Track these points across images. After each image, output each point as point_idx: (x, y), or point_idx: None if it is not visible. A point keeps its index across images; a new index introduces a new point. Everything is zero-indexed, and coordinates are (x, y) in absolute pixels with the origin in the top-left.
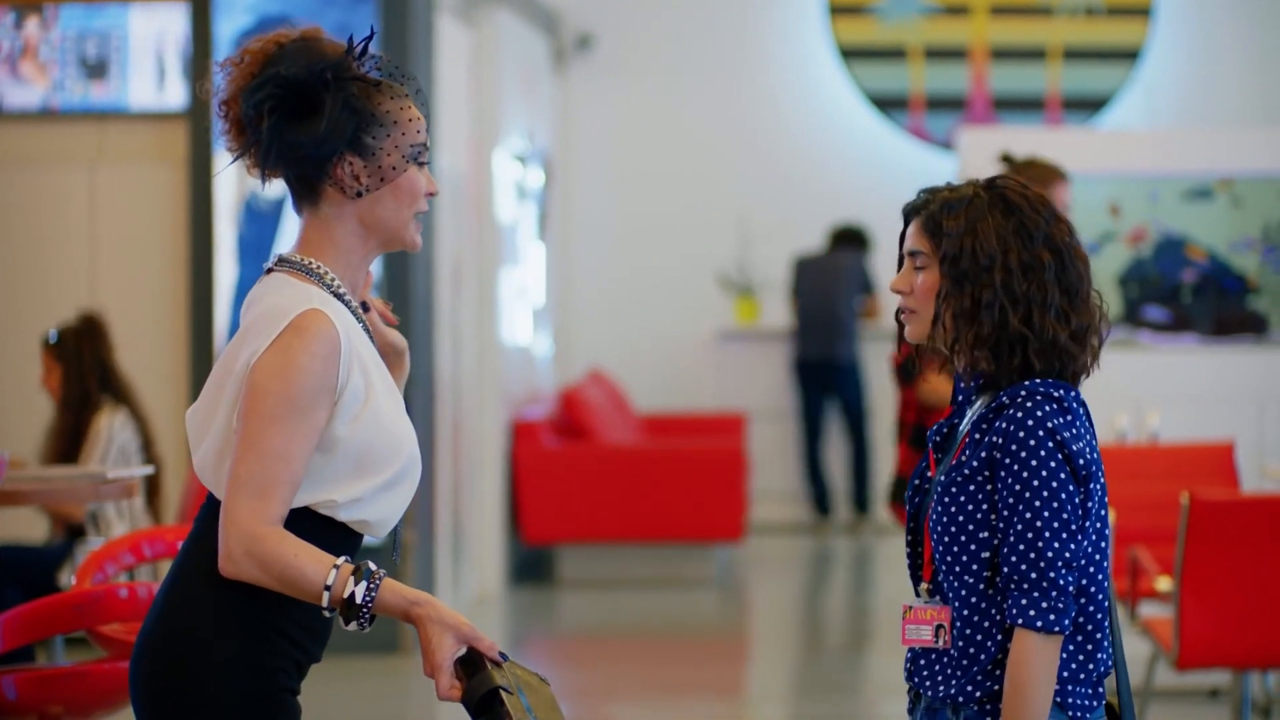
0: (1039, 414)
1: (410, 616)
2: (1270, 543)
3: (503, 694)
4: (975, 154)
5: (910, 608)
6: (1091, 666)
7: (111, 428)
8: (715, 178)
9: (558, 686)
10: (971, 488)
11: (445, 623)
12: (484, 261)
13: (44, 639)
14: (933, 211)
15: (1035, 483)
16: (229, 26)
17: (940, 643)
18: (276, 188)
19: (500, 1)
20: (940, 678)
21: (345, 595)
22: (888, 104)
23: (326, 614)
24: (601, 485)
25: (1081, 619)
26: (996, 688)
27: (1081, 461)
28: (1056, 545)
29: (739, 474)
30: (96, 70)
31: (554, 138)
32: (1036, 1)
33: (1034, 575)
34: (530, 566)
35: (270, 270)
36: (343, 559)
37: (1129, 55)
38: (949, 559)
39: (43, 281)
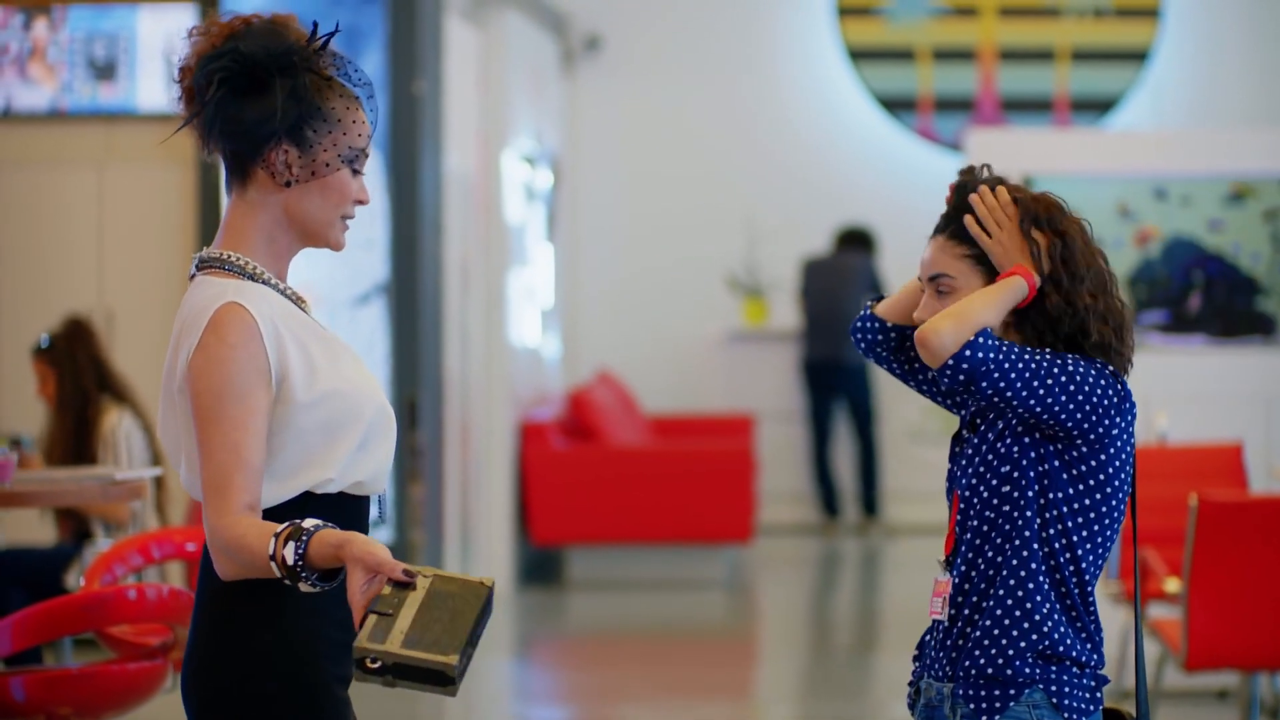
0: (1096, 367)
1: (341, 559)
2: (1279, 544)
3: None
4: (984, 155)
5: (938, 581)
6: (1090, 670)
7: (121, 428)
8: (723, 178)
9: (566, 688)
10: (1004, 456)
11: (358, 558)
12: (492, 262)
13: (53, 640)
14: (957, 221)
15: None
16: None
17: (944, 615)
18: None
19: (508, 3)
20: (936, 654)
21: (283, 560)
22: (896, 105)
23: (287, 584)
24: (610, 486)
25: (1087, 618)
26: (999, 662)
27: (1101, 410)
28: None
29: (747, 475)
30: (105, 71)
31: (562, 139)
32: (1045, 3)
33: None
34: (539, 567)
35: (193, 275)
36: (284, 525)
37: (1137, 56)
38: (966, 533)
39: (51, 282)
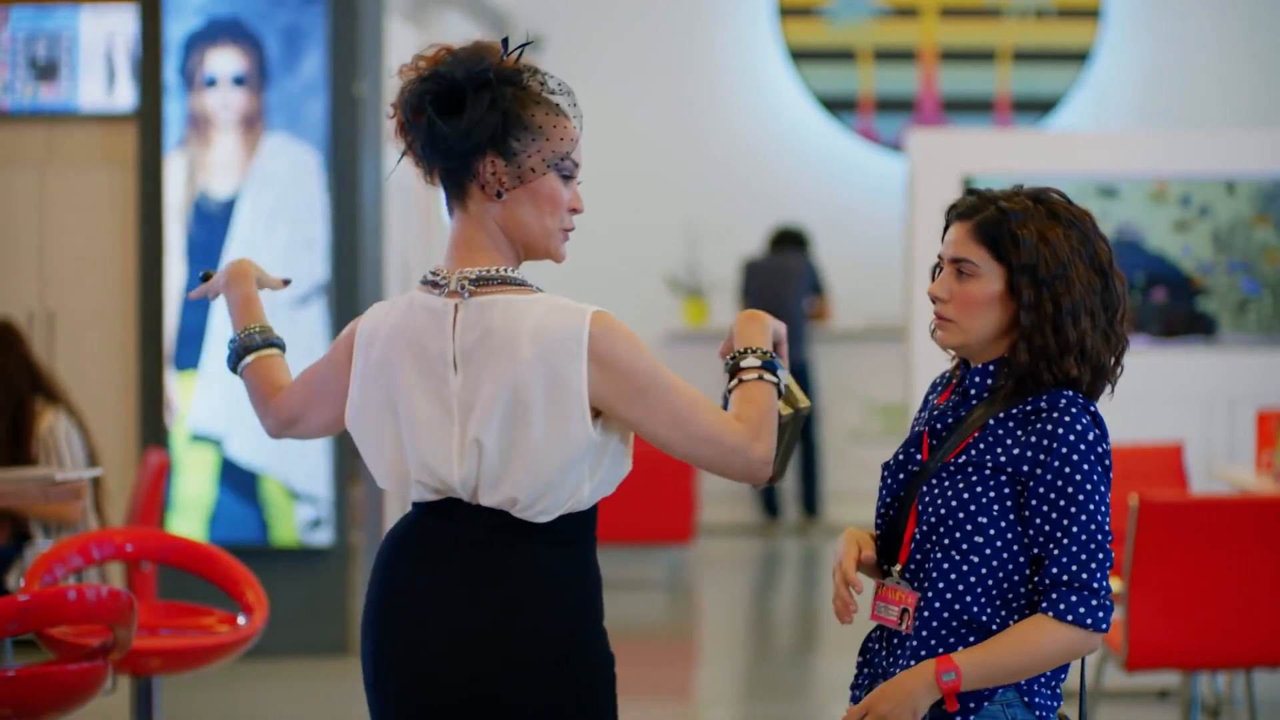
0: (1080, 425)
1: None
2: (1219, 544)
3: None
4: (924, 155)
5: (883, 584)
6: (1061, 676)
7: (59, 428)
8: (664, 179)
9: None
10: (975, 479)
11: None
12: (432, 262)
13: None
14: (990, 219)
15: (1085, 491)
16: (179, 28)
17: (903, 626)
18: (221, 187)
19: (449, 3)
20: (896, 658)
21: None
22: (837, 105)
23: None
24: None
25: None
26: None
27: (1110, 476)
28: (1101, 555)
29: (687, 475)
30: (46, 72)
31: None
32: (986, 3)
33: (1085, 577)
34: None
35: (458, 292)
36: (762, 380)
37: (1078, 57)
38: (928, 545)
39: None
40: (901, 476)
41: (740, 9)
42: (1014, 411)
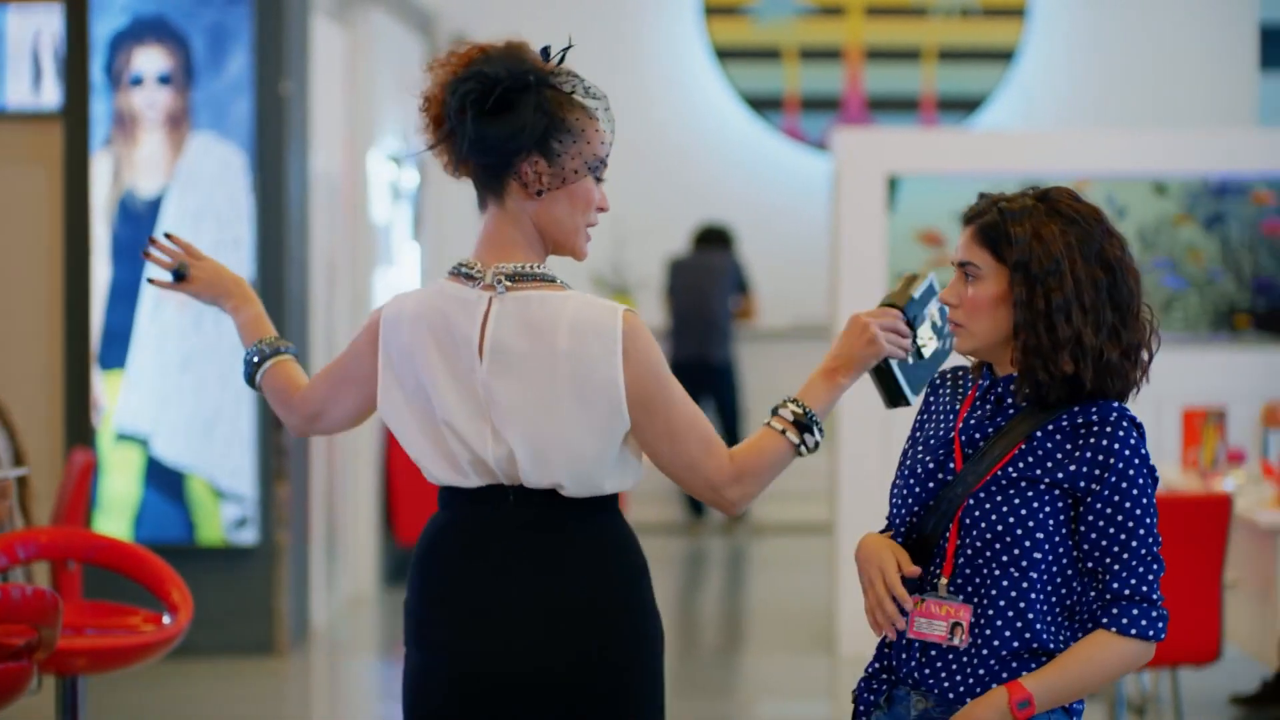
0: (1133, 440)
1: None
2: None
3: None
4: (849, 154)
5: (923, 600)
6: None
7: None
8: None
9: None
10: (1030, 494)
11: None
12: (358, 262)
13: None
14: (990, 221)
15: (1141, 505)
16: (105, 27)
17: (957, 640)
18: (147, 186)
19: (375, 2)
20: (947, 674)
21: (806, 443)
22: (762, 104)
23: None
24: None
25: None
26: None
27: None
28: (1156, 566)
29: None
30: None
31: None
32: (911, 2)
33: (1145, 589)
34: (404, 567)
35: (490, 285)
36: (783, 424)
37: (1004, 56)
38: (980, 561)
39: None
40: (931, 485)
41: (665, 8)
42: (1062, 424)
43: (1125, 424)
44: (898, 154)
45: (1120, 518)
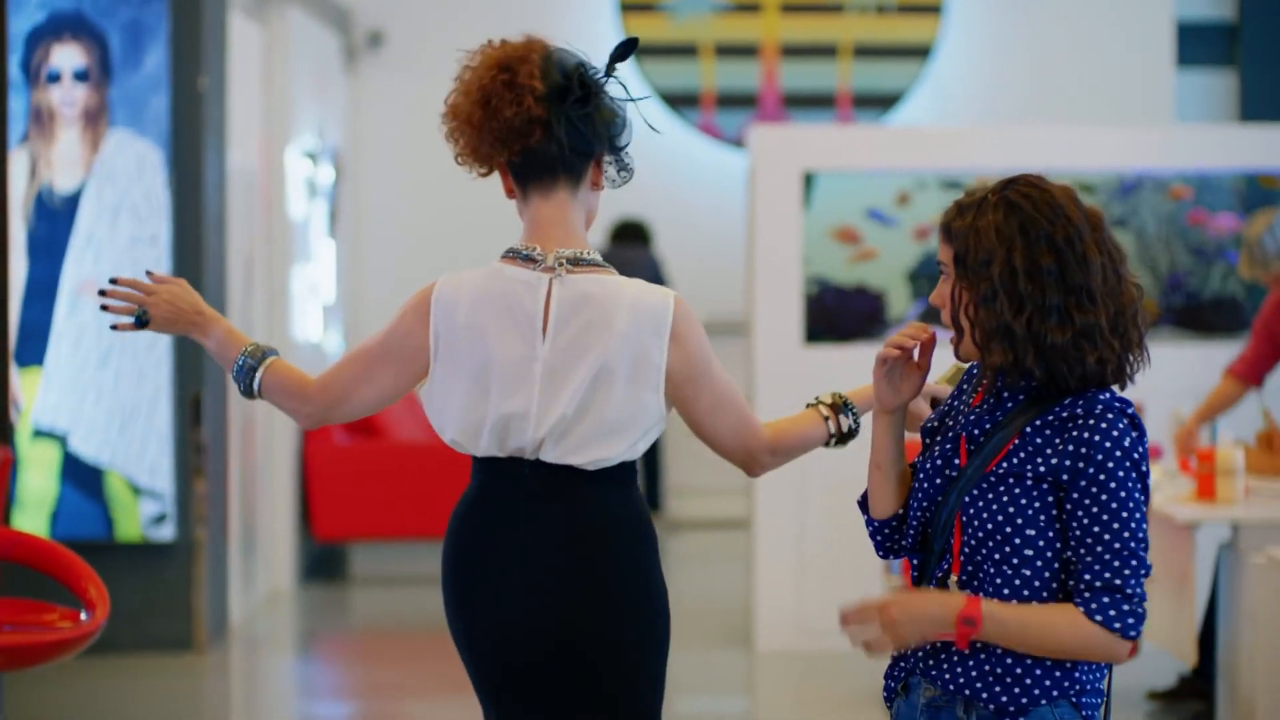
0: (1117, 431)
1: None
2: None
3: None
4: (765, 151)
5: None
6: (1104, 673)
7: None
8: None
9: (350, 684)
10: (1018, 491)
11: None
12: (275, 258)
13: None
14: (947, 219)
15: (1119, 499)
16: (22, 23)
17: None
18: (64, 182)
19: None
20: (957, 670)
21: (841, 427)
22: (679, 101)
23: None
24: (393, 482)
25: None
26: (1025, 698)
27: (1149, 480)
28: (1134, 563)
29: None
30: None
31: (345, 135)
32: None
33: (1118, 582)
34: (322, 564)
35: (556, 268)
36: (822, 407)
37: (920, 52)
38: (979, 558)
39: None
40: (939, 481)
41: (582, 5)
42: (1050, 418)
43: (1111, 415)
44: (813, 151)
45: (1096, 509)
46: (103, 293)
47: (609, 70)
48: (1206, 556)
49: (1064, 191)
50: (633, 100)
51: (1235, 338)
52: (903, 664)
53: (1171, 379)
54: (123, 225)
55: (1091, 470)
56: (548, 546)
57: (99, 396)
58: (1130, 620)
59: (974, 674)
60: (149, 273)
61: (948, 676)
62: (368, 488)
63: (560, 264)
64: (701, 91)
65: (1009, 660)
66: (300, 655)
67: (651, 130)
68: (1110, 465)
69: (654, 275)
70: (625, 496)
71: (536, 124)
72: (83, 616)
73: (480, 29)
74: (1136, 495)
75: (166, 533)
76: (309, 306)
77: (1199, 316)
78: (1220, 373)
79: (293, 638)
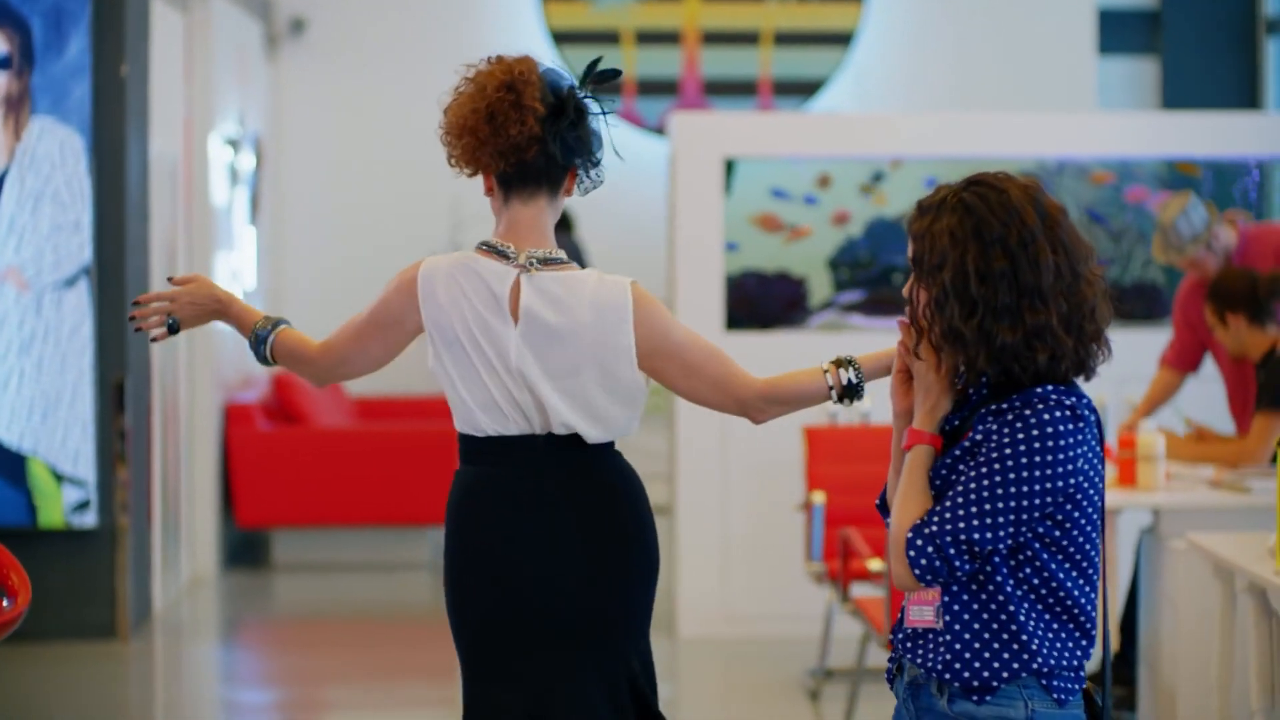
0: (1041, 418)
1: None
2: None
3: None
4: (686, 138)
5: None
6: (1078, 659)
7: None
8: (428, 161)
9: (273, 670)
10: (953, 478)
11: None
12: (197, 245)
13: None
14: (909, 219)
15: (991, 466)
16: None
17: (939, 623)
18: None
19: None
20: (930, 652)
21: (841, 381)
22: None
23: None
24: (315, 468)
25: (1081, 618)
26: (986, 674)
27: (1072, 482)
28: (963, 525)
29: (452, 456)
30: None
31: (266, 122)
32: None
33: (934, 528)
34: (244, 550)
35: (528, 268)
36: (827, 364)
37: (841, 40)
38: None
39: None
40: (932, 475)
41: None
42: (994, 407)
43: (1041, 406)
44: (734, 137)
45: (975, 468)
46: (132, 317)
47: (589, 88)
48: (1128, 542)
49: (1023, 191)
50: (605, 115)
51: (1156, 324)
52: (899, 647)
53: None
54: (45, 212)
55: (995, 439)
56: (569, 506)
57: (21, 383)
58: (923, 564)
59: (945, 655)
60: (170, 278)
61: (922, 657)
62: (290, 474)
63: (531, 263)
64: (622, 79)
65: (972, 642)
66: (223, 642)
67: (618, 157)
68: (1007, 437)
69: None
70: (618, 456)
71: (534, 141)
72: (4, 604)
73: (401, 15)
74: (1021, 476)
75: (89, 520)
76: (231, 292)
77: (1119, 304)
78: (1155, 362)
79: (216, 624)
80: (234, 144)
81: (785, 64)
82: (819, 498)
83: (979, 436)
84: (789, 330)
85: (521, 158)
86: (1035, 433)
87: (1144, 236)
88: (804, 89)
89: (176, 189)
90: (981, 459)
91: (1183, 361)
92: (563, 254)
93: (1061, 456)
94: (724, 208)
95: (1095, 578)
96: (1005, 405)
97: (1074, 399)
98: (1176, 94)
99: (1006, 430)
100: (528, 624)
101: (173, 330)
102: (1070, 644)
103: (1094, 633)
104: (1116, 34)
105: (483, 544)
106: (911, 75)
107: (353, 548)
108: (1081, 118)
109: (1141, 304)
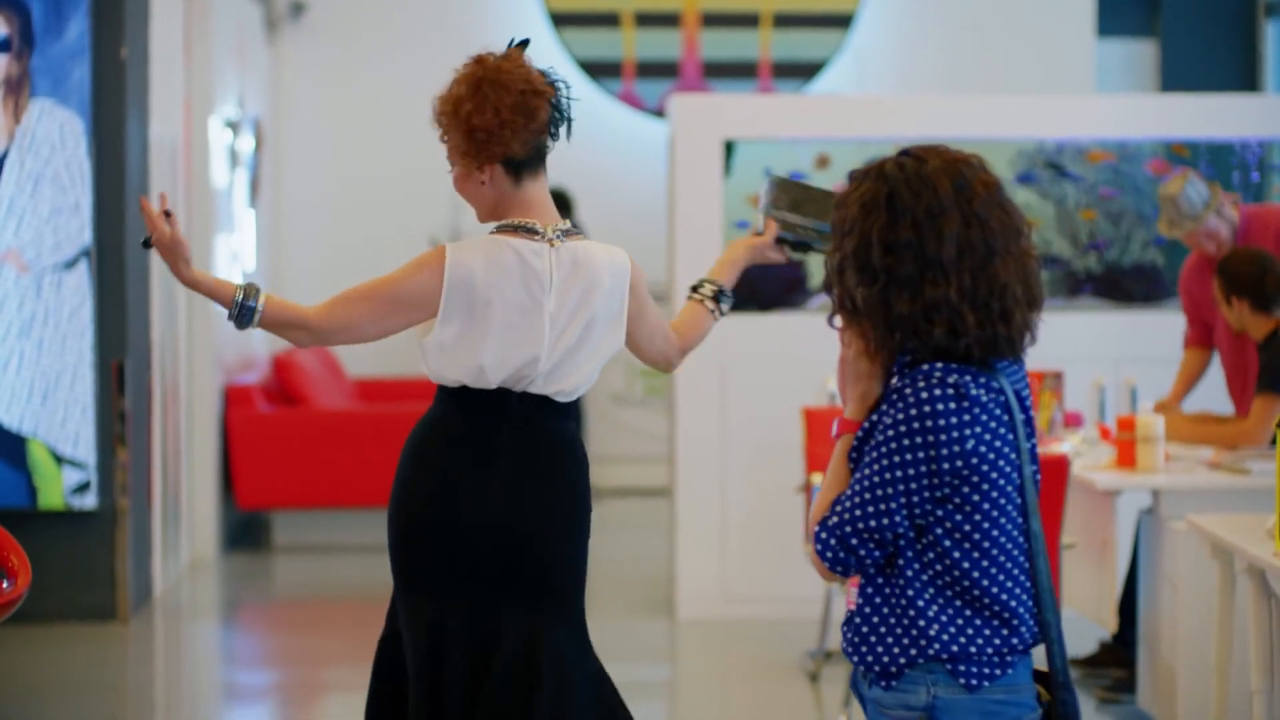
0: (915, 397)
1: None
2: None
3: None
4: (686, 120)
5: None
6: (995, 645)
7: None
8: (427, 144)
9: (273, 652)
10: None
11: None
12: (197, 228)
13: None
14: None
15: (872, 458)
16: None
17: (853, 606)
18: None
19: None
20: (845, 637)
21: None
22: (599, 70)
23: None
24: (315, 450)
25: (992, 604)
26: (887, 659)
27: (960, 464)
28: (858, 513)
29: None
30: None
31: (266, 104)
32: None
33: (834, 519)
34: (245, 532)
35: (555, 240)
36: (706, 296)
37: (841, 22)
38: None
39: None
40: None
41: None
42: (893, 381)
43: (923, 384)
44: (734, 120)
45: (868, 452)
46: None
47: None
48: (1127, 523)
49: (948, 163)
50: (567, 88)
51: (1155, 306)
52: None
53: (1092, 347)
54: (44, 194)
55: (883, 421)
56: (522, 460)
57: (21, 365)
58: (829, 556)
59: (855, 639)
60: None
61: (844, 642)
62: (290, 456)
63: (558, 235)
64: (622, 61)
65: (879, 626)
66: (224, 624)
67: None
68: (889, 418)
69: None
70: (574, 427)
71: (548, 123)
72: (4, 585)
73: (399, 1)
74: (906, 456)
75: (89, 501)
76: (231, 276)
77: (1118, 285)
78: (1155, 345)
79: (215, 606)
80: (234, 126)
81: (785, 46)
82: (818, 479)
83: (875, 419)
84: (788, 312)
85: (540, 139)
86: (914, 412)
87: (1143, 218)
88: (804, 71)
89: (176, 171)
90: (872, 443)
91: (1200, 340)
92: (570, 223)
93: (944, 437)
94: (723, 190)
95: (1010, 564)
96: (893, 385)
97: (959, 376)
98: (1175, 76)
99: (889, 410)
100: (469, 545)
101: (145, 245)
102: (985, 630)
103: (1021, 618)
104: (1115, 16)
105: (438, 478)
106: (911, 57)
107: (353, 529)
108: (1080, 100)
109: (1141, 286)
